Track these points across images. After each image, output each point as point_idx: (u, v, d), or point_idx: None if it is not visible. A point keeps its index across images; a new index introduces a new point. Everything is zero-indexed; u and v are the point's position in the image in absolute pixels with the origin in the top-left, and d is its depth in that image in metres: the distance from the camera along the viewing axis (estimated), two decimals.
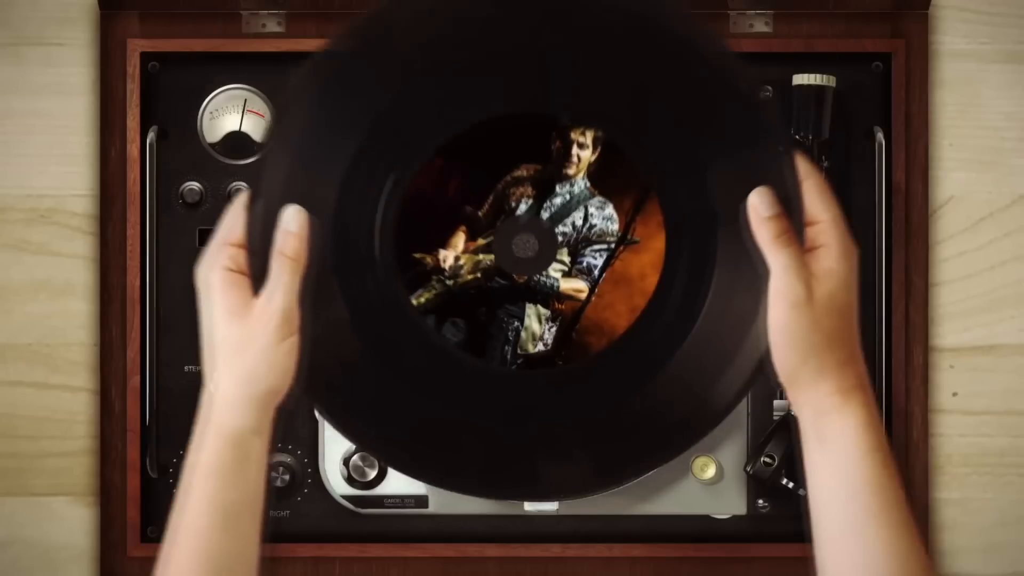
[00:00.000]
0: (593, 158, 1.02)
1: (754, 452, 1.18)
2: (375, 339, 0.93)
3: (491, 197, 1.03)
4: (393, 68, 0.89)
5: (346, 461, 1.23)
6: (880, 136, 1.21)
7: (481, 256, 1.02)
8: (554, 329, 1.04)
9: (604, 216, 1.04)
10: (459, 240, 1.03)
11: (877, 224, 1.22)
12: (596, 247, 1.05)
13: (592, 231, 1.04)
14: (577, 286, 1.04)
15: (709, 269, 0.91)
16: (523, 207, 1.02)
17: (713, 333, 0.92)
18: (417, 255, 1.03)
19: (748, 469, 1.17)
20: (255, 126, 1.24)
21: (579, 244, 1.05)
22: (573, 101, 0.92)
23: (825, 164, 1.20)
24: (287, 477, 1.24)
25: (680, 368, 0.93)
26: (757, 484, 1.18)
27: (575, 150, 1.02)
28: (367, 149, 0.90)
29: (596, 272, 1.04)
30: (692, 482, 1.23)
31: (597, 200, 1.04)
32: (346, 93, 0.89)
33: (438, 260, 1.03)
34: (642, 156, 0.93)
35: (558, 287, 1.04)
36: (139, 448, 1.23)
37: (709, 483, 1.23)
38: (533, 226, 0.98)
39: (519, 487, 0.97)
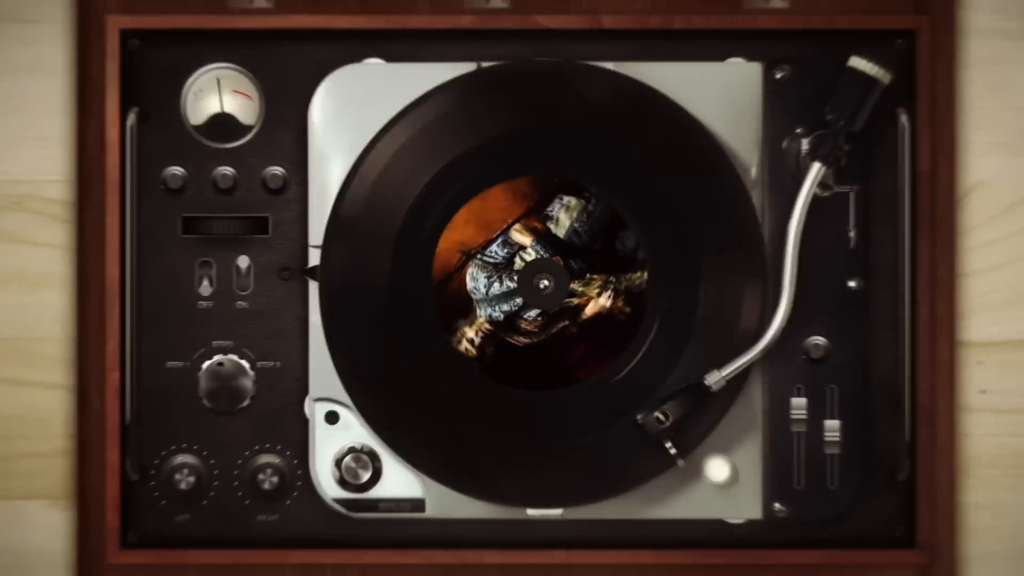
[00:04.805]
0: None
1: (653, 403, 1.17)
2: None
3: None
4: None
5: (338, 462, 1.21)
6: (904, 118, 1.19)
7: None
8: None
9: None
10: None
11: (900, 212, 1.19)
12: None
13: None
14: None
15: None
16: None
17: None
18: None
19: (639, 418, 1.17)
20: (241, 107, 1.22)
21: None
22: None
23: (846, 148, 1.17)
24: (276, 479, 1.22)
25: None
26: (640, 436, 1.17)
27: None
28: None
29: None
30: (704, 484, 1.21)
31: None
32: None
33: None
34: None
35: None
36: (118, 449, 1.22)
37: (722, 485, 1.20)
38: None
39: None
